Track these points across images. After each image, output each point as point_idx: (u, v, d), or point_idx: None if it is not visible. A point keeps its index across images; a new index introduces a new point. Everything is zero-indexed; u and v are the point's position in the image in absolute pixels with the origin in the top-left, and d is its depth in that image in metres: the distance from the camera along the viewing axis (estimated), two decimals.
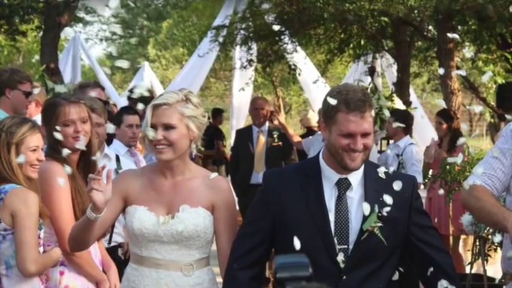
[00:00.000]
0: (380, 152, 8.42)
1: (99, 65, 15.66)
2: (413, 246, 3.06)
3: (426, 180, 7.38)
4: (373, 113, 2.99)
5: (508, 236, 3.19)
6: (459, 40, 10.25)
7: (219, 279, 3.22)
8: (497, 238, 3.35)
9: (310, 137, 8.93)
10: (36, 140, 3.56)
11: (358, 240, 2.97)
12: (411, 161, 7.47)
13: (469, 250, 6.62)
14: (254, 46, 11.84)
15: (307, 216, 2.98)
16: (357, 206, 3.00)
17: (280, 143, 8.46)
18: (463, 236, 7.40)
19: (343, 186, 3.02)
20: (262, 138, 8.55)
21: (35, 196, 3.48)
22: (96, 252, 3.84)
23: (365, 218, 2.96)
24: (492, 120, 15.66)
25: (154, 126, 3.16)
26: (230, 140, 12.54)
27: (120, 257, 4.86)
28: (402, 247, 3.07)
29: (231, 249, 3.10)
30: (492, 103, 11.50)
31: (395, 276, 3.07)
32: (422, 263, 3.06)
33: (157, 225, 3.15)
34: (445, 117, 7.98)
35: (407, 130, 7.78)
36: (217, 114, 13.53)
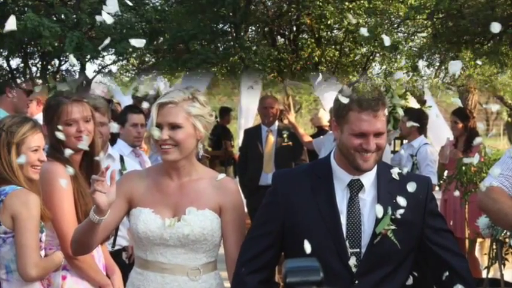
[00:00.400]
0: (394, 152, 8.36)
1: None
2: (428, 250, 3.01)
3: (441, 182, 7.32)
4: (386, 111, 2.94)
5: None
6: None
7: (227, 284, 3.16)
8: None
9: (321, 136, 8.83)
10: (37, 139, 3.53)
11: (371, 243, 2.92)
12: (426, 161, 7.39)
13: (485, 254, 6.55)
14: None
15: (318, 219, 2.93)
16: (370, 208, 2.95)
17: (290, 143, 8.37)
18: (479, 239, 7.29)
19: (355, 187, 2.97)
20: (272, 138, 8.47)
21: (36, 198, 3.43)
22: (99, 256, 3.80)
23: (378, 221, 2.91)
24: (509, 119, 15.60)
25: (159, 126, 3.11)
26: (238, 140, 12.46)
27: (124, 261, 4.88)
28: (416, 250, 3.01)
29: (239, 253, 3.05)
30: (509, 102, 11.42)
31: (409, 281, 3.01)
32: (437, 267, 3.01)
33: (162, 228, 3.11)
34: (460, 116, 7.85)
35: (422, 130, 7.68)
36: (225, 113, 13.48)
